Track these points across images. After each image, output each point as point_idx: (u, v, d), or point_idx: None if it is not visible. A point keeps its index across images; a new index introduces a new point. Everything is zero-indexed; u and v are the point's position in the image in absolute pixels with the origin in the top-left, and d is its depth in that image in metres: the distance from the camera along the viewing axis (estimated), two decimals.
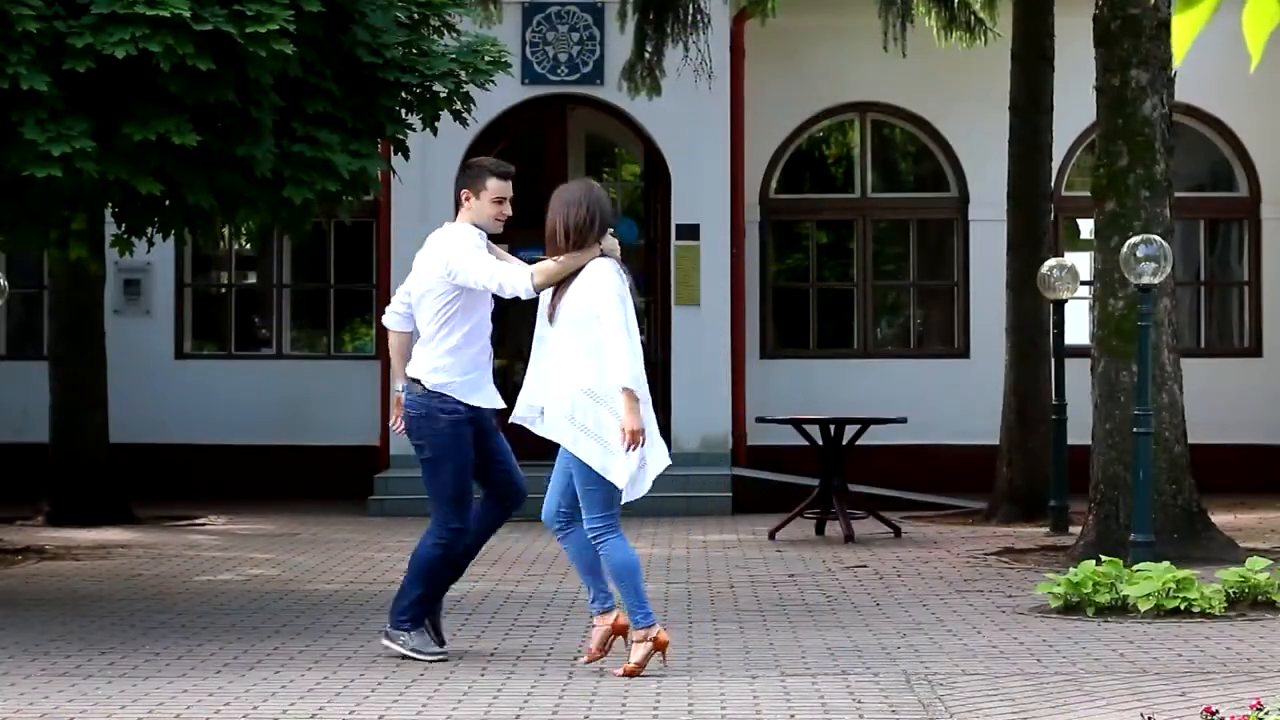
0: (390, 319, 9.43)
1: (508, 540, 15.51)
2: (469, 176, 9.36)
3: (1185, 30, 3.22)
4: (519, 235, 21.03)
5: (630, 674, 8.57)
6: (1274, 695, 7.43)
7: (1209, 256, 21.54)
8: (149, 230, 11.42)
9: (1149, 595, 10.50)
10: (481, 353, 9.25)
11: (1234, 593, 10.76)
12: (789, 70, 20.81)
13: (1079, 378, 15.77)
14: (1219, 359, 20.94)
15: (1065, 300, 16.54)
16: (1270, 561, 11.44)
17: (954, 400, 20.51)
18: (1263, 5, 3.17)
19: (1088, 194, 14.90)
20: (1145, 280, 12.30)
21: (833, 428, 16.04)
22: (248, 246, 21.90)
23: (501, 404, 9.28)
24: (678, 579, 12.89)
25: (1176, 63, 3.28)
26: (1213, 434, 19.19)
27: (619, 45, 18.87)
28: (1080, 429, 15.16)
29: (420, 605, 9.18)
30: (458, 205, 9.33)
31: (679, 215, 19.79)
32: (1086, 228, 20.32)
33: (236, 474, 20.47)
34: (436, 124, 11.79)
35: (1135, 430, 12.41)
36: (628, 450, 8.53)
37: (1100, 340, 13.70)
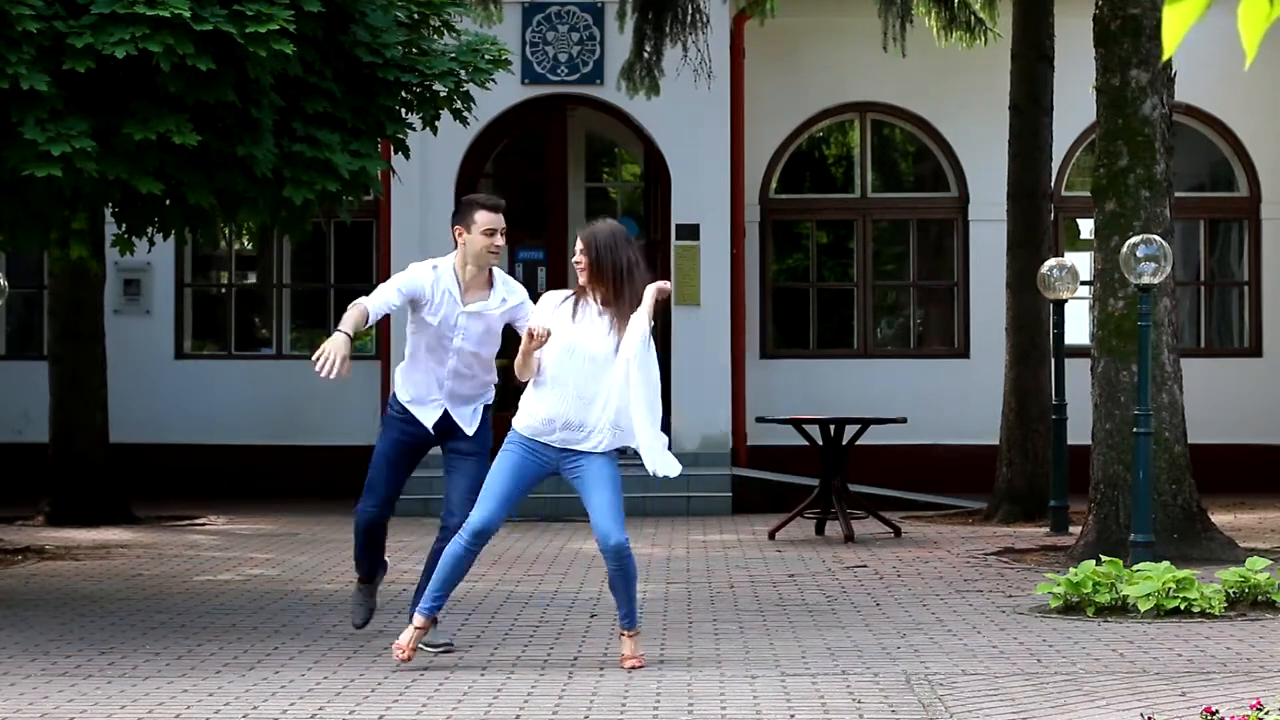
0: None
1: (508, 540, 15.51)
2: (459, 213, 9.50)
3: (1176, 24, 3.21)
4: (520, 238, 21.14)
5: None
6: (1274, 695, 7.43)
7: (1209, 256, 21.53)
8: (149, 230, 11.42)
9: (1149, 595, 10.50)
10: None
11: (1234, 593, 10.76)
12: (789, 70, 20.81)
13: (1079, 378, 15.77)
14: (1219, 359, 20.94)
15: (1065, 300, 16.53)
16: (1270, 561, 11.44)
17: (954, 400, 20.51)
18: (1258, 2, 3.17)
19: (1088, 194, 14.90)
20: (1145, 280, 12.30)
21: (833, 428, 16.03)
22: (248, 246, 21.89)
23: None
24: (678, 579, 12.88)
25: (1166, 55, 3.27)
26: (1213, 434, 19.21)
27: (619, 45, 18.86)
28: (1080, 429, 15.16)
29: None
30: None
31: (679, 215, 19.78)
32: (1086, 228, 20.32)
33: (236, 474, 20.46)
34: (436, 124, 11.79)
35: (1135, 430, 12.41)
36: None
37: (1100, 340, 13.69)
